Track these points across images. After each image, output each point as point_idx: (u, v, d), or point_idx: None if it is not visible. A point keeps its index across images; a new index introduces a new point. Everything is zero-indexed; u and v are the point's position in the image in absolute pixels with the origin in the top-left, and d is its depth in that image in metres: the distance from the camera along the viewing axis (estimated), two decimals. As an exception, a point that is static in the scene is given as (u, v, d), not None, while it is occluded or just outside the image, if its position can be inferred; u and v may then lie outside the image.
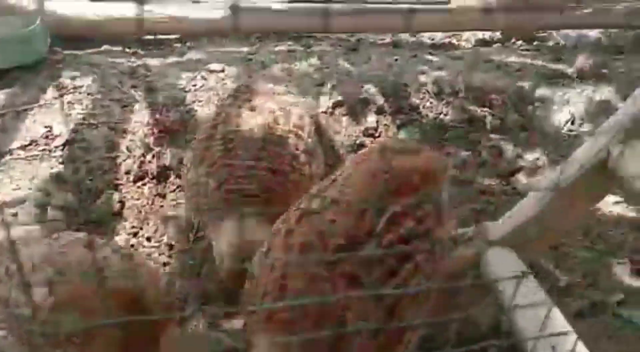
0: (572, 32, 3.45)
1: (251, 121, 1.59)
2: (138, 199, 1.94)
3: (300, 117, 1.70)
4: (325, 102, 2.46)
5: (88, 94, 2.45)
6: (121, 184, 1.98)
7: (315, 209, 1.24)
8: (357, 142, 2.37)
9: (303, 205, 1.28)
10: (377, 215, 1.21)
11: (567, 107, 2.55)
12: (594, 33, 3.50)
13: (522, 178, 2.22)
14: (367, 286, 1.13)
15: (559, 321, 1.26)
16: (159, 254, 1.79)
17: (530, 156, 2.33)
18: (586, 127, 2.46)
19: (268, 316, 1.12)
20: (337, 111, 2.47)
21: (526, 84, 2.67)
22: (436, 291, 1.30)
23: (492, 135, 2.38)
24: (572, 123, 2.47)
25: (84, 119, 2.28)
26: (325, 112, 2.43)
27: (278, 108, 1.67)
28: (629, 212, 2.06)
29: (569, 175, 1.49)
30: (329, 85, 2.57)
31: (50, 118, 2.27)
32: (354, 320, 1.10)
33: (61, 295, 1.08)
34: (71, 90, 2.48)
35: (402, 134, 2.41)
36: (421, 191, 1.28)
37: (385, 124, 2.45)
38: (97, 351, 1.10)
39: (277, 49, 2.97)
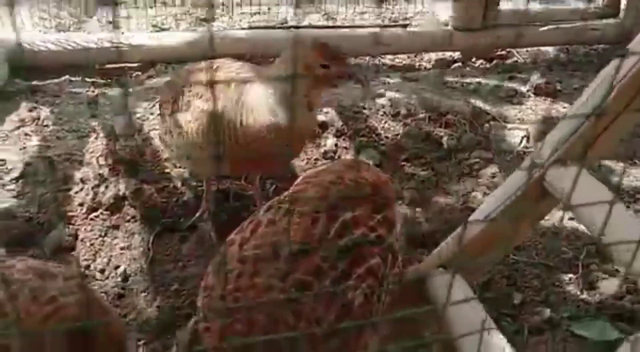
0: (530, 50, 3.54)
1: None
2: (91, 231, 1.92)
3: None
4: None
5: (45, 125, 2.45)
6: (74, 217, 1.97)
7: (270, 220, 1.28)
8: (317, 165, 2.38)
9: (258, 216, 1.31)
10: (329, 222, 1.26)
11: (522, 125, 2.60)
12: (552, 49, 3.59)
13: (478, 196, 2.25)
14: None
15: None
16: (112, 287, 1.77)
17: (486, 174, 2.36)
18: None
19: (222, 329, 1.13)
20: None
21: (482, 103, 2.72)
22: (389, 297, 1.32)
23: (449, 155, 2.42)
24: (528, 141, 2.52)
25: (39, 151, 2.27)
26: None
27: None
28: (582, 228, 2.09)
29: (510, 193, 1.52)
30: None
31: (6, 151, 2.26)
32: (305, 327, 1.12)
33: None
34: (29, 122, 2.47)
35: (361, 157, 2.42)
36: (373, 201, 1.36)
37: (345, 147, 2.47)
38: None
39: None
